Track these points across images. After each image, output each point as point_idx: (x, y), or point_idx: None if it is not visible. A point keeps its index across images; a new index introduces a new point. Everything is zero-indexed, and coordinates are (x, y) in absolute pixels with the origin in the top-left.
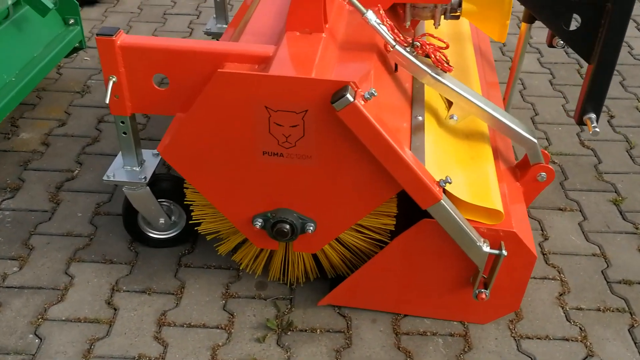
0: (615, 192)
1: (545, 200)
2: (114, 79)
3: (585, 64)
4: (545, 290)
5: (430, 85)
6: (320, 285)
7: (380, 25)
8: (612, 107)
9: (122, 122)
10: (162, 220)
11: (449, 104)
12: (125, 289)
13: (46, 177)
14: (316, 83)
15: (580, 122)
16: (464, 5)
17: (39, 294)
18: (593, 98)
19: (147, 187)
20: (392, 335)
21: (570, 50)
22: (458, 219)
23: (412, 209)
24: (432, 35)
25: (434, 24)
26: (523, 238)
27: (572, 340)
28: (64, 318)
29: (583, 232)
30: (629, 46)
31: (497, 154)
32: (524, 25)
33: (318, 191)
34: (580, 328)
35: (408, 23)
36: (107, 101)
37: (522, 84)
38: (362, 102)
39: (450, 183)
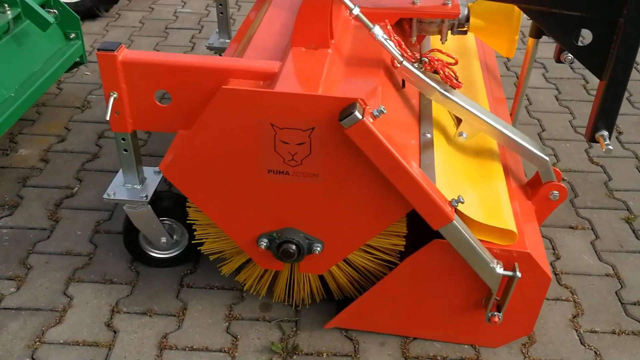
0: (627, 209)
1: (555, 218)
2: (115, 95)
3: (591, 80)
4: (558, 312)
5: (438, 102)
6: (327, 307)
7: (388, 40)
8: (620, 123)
9: (123, 139)
10: (163, 240)
11: (458, 120)
12: (125, 311)
13: (45, 194)
14: (323, 100)
15: (592, 140)
16: (471, 20)
17: (37, 315)
18: (605, 115)
19: (149, 205)
20: (401, 359)
21: (575, 65)
22: (471, 239)
23: (421, 228)
24: (440, 51)
25: (440, 39)
26: (537, 259)
27: None
28: (62, 341)
29: (595, 252)
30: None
31: (507, 172)
32: (530, 40)
33: (325, 211)
34: (595, 352)
35: (414, 38)
36: (108, 118)
37: (528, 99)
38: (371, 120)
39: (462, 203)
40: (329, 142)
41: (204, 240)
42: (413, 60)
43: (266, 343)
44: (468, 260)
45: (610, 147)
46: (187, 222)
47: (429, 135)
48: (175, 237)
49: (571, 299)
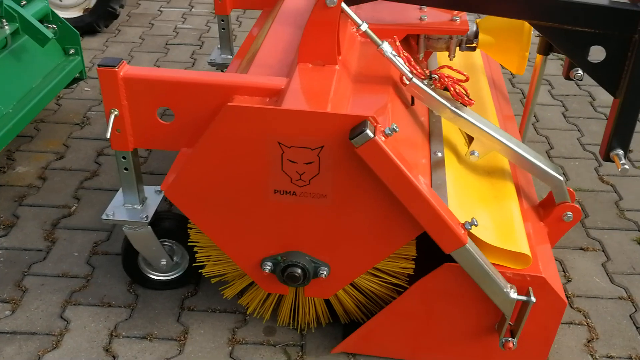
0: (639, 230)
1: (566, 239)
2: (115, 112)
3: (597, 97)
4: (572, 337)
5: (449, 119)
6: (333, 331)
7: (397, 57)
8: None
9: (124, 158)
10: (163, 262)
11: (469, 138)
12: (124, 335)
13: (42, 213)
14: (333, 118)
15: (607, 159)
16: (480, 36)
17: (32, 340)
18: (620, 133)
19: (149, 226)
20: None
21: (581, 82)
22: (484, 263)
23: (431, 250)
24: (450, 68)
25: (448, 56)
26: (552, 283)
27: None
28: None
29: (607, 274)
30: None
31: (519, 192)
32: (539, 57)
33: (333, 233)
34: None
35: (422, 55)
36: (108, 135)
37: (535, 116)
38: (383, 138)
39: (476, 226)
40: (338, 162)
41: (205, 263)
42: (423, 77)
43: None
44: (480, 284)
45: (626, 166)
46: (189, 244)
47: (439, 154)
48: (175, 258)
49: (585, 323)
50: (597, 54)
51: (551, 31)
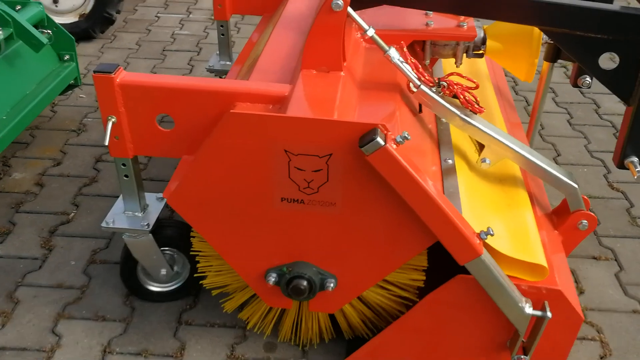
0: None
1: (577, 247)
2: (113, 120)
3: (602, 104)
4: (585, 353)
5: (459, 127)
6: (336, 347)
7: (404, 63)
8: None
9: (124, 165)
10: (163, 271)
11: (479, 146)
12: (118, 351)
13: (39, 220)
14: (343, 125)
15: (621, 166)
16: (488, 42)
17: (22, 356)
18: (634, 141)
19: (150, 234)
20: None
21: (585, 90)
22: (499, 275)
23: (441, 261)
24: (460, 75)
25: (455, 63)
26: (569, 297)
27: None
28: None
29: (621, 285)
30: None
31: (532, 200)
32: (545, 64)
33: (341, 243)
34: None
35: (427, 61)
36: (107, 143)
37: (541, 123)
38: (394, 146)
39: (492, 235)
40: (348, 170)
41: (206, 274)
42: (431, 85)
43: None
44: (495, 298)
45: None
46: (191, 253)
47: (450, 161)
48: (175, 268)
49: (598, 338)
50: (609, 61)
51: (562, 37)
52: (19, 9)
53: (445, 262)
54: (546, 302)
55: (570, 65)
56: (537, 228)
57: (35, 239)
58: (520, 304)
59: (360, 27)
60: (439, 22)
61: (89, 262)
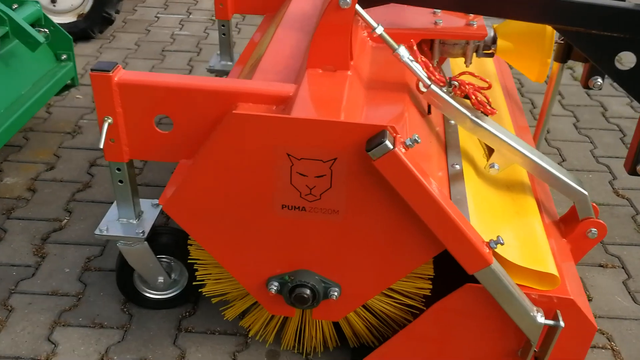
0: None
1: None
2: (109, 121)
3: (609, 107)
4: None
5: (469, 130)
6: (340, 355)
7: (414, 62)
8: None
9: (118, 170)
10: (160, 279)
11: (489, 150)
12: (116, 359)
13: (31, 227)
14: (349, 127)
15: (633, 173)
16: (499, 42)
17: None
18: None
19: (146, 242)
20: None
21: (592, 92)
22: (509, 285)
23: (449, 268)
24: (472, 74)
25: (465, 62)
26: (581, 306)
27: None
28: None
29: (629, 293)
30: None
31: (540, 207)
32: (555, 64)
33: (345, 251)
34: None
35: (436, 61)
36: (102, 145)
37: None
38: (403, 150)
39: (502, 244)
40: (352, 175)
41: (205, 282)
42: (441, 84)
43: None
44: (505, 307)
45: None
46: (188, 261)
47: (457, 166)
48: (173, 275)
49: (609, 347)
50: (626, 60)
51: (577, 36)
52: (15, 8)
53: (451, 268)
54: (558, 311)
55: (577, 67)
56: (546, 236)
57: (27, 246)
58: (532, 313)
59: (368, 25)
60: (448, 20)
61: (83, 269)
